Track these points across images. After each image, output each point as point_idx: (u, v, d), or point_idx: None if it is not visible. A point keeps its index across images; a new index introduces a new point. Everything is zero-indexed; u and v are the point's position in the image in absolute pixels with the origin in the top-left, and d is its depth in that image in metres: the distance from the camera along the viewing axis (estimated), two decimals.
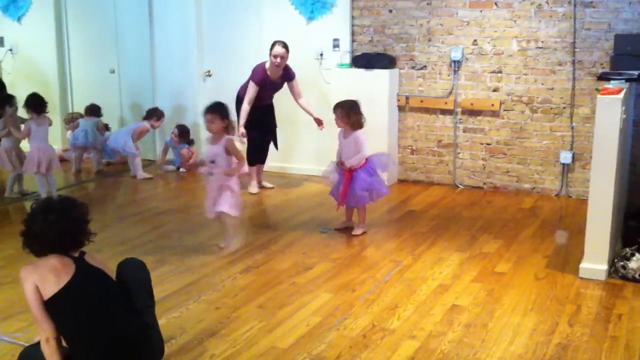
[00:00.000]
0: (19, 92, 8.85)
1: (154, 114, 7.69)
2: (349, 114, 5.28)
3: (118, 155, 7.96)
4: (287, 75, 6.62)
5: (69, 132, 8.04)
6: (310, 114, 6.65)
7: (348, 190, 5.28)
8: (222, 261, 4.76)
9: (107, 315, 2.95)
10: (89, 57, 8.60)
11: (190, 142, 7.83)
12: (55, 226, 2.92)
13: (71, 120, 8.07)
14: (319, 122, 6.58)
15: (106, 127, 8.06)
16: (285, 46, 6.42)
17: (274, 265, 4.70)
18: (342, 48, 7.10)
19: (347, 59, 7.06)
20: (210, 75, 7.84)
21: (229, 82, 7.66)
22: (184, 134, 7.73)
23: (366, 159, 5.30)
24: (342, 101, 5.41)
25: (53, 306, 2.86)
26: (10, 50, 8.95)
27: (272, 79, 6.56)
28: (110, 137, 7.76)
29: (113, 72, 8.39)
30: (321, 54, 7.17)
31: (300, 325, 3.74)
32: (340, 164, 5.32)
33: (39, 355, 2.89)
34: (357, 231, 5.38)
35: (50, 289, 2.85)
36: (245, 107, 6.46)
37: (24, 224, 2.98)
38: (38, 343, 2.92)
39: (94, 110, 8.00)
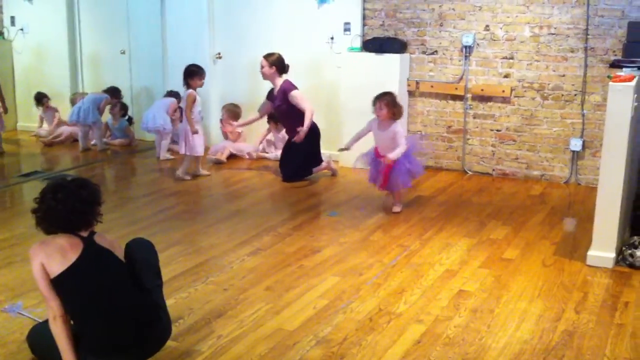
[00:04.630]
0: (29, 71, 8.94)
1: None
2: (395, 104, 5.40)
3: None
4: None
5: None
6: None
7: (390, 177, 5.40)
8: (230, 243, 4.78)
9: (113, 295, 2.97)
10: (100, 37, 8.60)
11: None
12: (62, 205, 2.93)
13: (77, 101, 8.16)
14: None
15: (123, 113, 8.15)
16: (265, 56, 6.45)
17: (281, 248, 4.72)
18: (353, 32, 7.07)
19: (358, 43, 7.03)
20: (220, 58, 7.83)
21: (239, 65, 7.68)
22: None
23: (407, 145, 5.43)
24: (383, 93, 5.46)
25: (59, 285, 2.88)
26: (22, 29, 8.95)
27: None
28: (146, 119, 7.51)
29: (124, 53, 8.39)
30: (332, 38, 7.15)
31: (307, 307, 3.75)
32: (380, 156, 5.42)
33: (48, 333, 2.92)
34: (397, 209, 5.50)
35: (56, 268, 2.88)
36: None
37: (35, 202, 3.00)
38: (47, 321, 2.95)
39: (109, 90, 8.09)
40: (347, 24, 7.11)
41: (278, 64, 6.43)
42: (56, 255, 2.89)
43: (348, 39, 7.06)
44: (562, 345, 3.35)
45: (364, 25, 7.07)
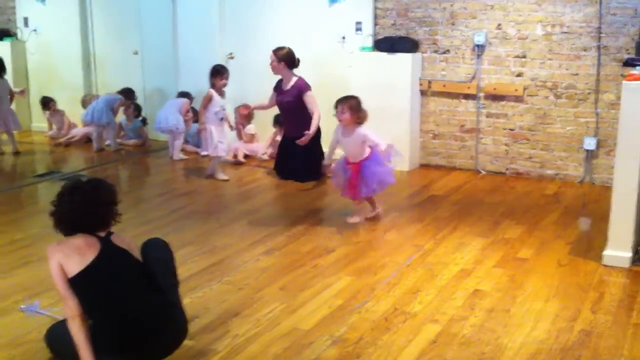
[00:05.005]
0: (42, 72, 8.99)
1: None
2: (359, 108, 5.10)
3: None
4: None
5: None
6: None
7: (360, 181, 5.12)
8: (244, 243, 4.80)
9: (128, 295, 2.99)
10: (113, 38, 8.63)
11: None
12: (80, 207, 2.97)
13: (87, 102, 8.20)
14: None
15: (137, 114, 8.18)
16: (274, 51, 6.54)
17: (295, 247, 4.73)
18: (364, 31, 7.07)
19: (370, 43, 7.03)
20: (232, 58, 7.84)
21: (251, 65, 7.68)
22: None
23: (372, 148, 5.13)
24: (347, 96, 5.19)
25: (76, 285, 2.91)
26: (35, 30, 9.00)
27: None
28: (159, 119, 7.49)
29: (136, 53, 8.41)
30: (343, 37, 7.15)
31: (322, 307, 3.76)
32: (349, 164, 5.16)
33: (66, 332, 2.94)
34: (372, 214, 5.33)
35: (73, 268, 2.90)
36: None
37: (52, 205, 3.03)
38: (65, 320, 2.97)
39: (123, 92, 8.11)
40: (358, 23, 7.10)
41: (287, 59, 6.46)
42: (74, 255, 2.92)
43: (360, 39, 7.06)
44: (579, 345, 3.34)
45: (375, 24, 7.06)
